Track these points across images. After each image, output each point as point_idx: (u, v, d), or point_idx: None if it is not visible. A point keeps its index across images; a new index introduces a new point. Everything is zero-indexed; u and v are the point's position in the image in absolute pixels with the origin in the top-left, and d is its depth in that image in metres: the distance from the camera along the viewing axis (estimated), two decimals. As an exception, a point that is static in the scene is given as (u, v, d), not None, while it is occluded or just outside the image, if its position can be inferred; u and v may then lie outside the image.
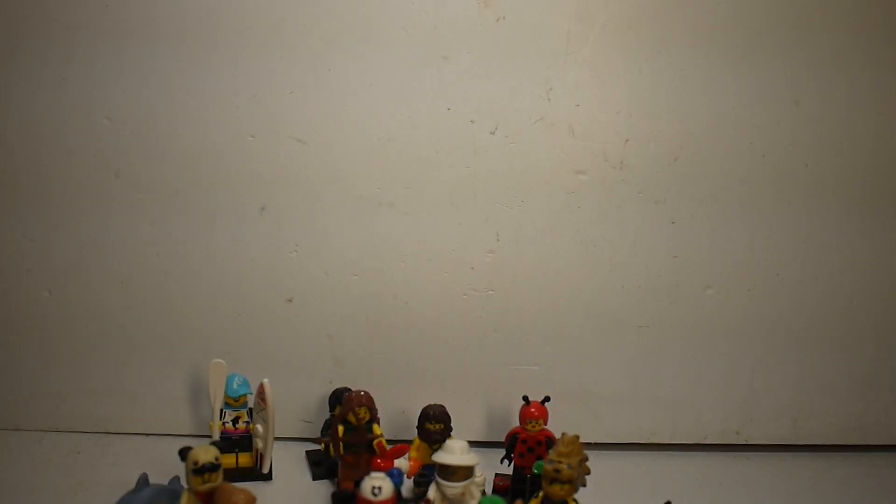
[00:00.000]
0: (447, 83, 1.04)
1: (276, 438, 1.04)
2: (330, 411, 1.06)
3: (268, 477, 1.01)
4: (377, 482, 0.78)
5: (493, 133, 1.06)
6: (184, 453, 0.82)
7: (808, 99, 1.08)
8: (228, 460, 1.00)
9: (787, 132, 1.08)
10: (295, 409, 1.13)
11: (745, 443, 1.17)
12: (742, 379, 1.15)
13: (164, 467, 0.96)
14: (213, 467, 0.81)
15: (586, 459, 0.85)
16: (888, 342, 1.16)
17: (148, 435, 1.13)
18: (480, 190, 1.07)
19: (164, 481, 0.92)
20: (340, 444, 0.93)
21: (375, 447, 0.93)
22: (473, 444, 1.08)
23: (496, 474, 1.03)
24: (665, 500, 0.86)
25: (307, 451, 1.10)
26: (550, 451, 0.84)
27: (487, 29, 1.03)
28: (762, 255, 1.12)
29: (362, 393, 0.94)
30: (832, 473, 1.12)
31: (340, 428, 0.94)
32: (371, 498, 0.77)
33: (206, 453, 0.81)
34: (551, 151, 1.07)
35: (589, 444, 0.88)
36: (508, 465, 1.01)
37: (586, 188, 1.08)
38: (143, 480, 0.87)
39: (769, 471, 1.12)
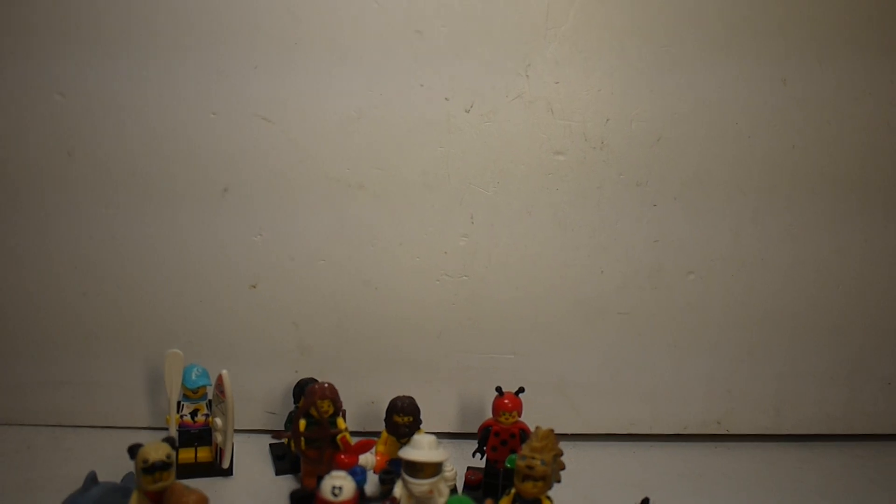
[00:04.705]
0: (420, 59, 1.00)
1: (240, 431, 1.01)
2: (294, 403, 1.02)
3: (228, 472, 0.97)
4: (338, 481, 0.74)
5: (468, 111, 1.02)
6: (133, 451, 0.77)
7: (795, 78, 1.04)
8: (187, 455, 0.97)
9: (775, 112, 1.05)
10: (259, 399, 1.09)
11: (726, 433, 1.15)
12: (724, 367, 1.13)
13: (120, 462, 0.92)
14: (164, 465, 0.76)
15: (561, 454, 0.81)
16: (875, 330, 1.13)
17: (103, 428, 1.09)
18: (454, 171, 1.03)
19: (118, 478, 0.88)
20: (302, 439, 0.89)
21: (339, 442, 0.89)
22: (446, 435, 1.08)
23: (468, 468, 1.00)
24: (643, 497, 0.82)
25: (271, 444, 1.06)
26: (523, 445, 0.80)
27: (463, 2, 0.99)
28: (747, 240, 1.09)
29: (326, 385, 0.90)
30: (816, 464, 1.11)
31: (302, 422, 0.89)
32: (331, 498, 0.73)
33: (156, 451, 0.76)
34: (529, 130, 1.03)
35: (566, 435, 0.84)
36: (481, 459, 0.98)
37: (565, 169, 1.04)
38: (91, 479, 0.82)
39: (751, 462, 1.10)
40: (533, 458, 0.78)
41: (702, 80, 1.03)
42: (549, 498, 0.80)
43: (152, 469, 0.76)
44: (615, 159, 1.04)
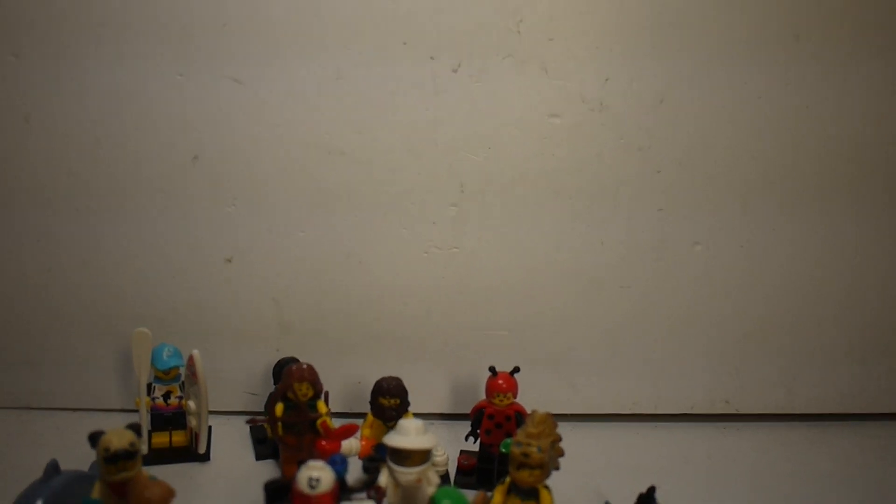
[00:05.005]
0: (403, 13, 0.94)
1: (218, 413, 0.98)
2: (275, 384, 0.97)
3: (205, 457, 0.94)
4: (315, 472, 0.68)
5: (455, 71, 0.96)
6: (95, 438, 0.72)
7: (808, 34, 0.98)
8: (161, 439, 0.94)
9: (786, 69, 0.99)
10: (238, 380, 1.06)
11: (735, 412, 1.11)
12: (732, 344, 1.08)
13: (89, 447, 0.86)
14: (127, 454, 0.71)
15: (559, 440, 0.77)
16: (890, 305, 1.09)
17: (73, 410, 1.05)
18: (442, 135, 0.98)
19: (87, 465, 0.84)
20: (279, 424, 0.84)
21: (319, 427, 0.84)
22: (437, 416, 1.05)
23: (461, 451, 0.96)
24: (649, 486, 0.77)
25: (251, 428, 1.01)
26: (518, 431, 0.75)
27: (451, -48, 0.94)
28: (756, 209, 1.03)
29: (304, 366, 0.85)
30: (829, 444, 1.07)
31: (279, 406, 0.85)
32: (308, 491, 0.68)
33: (119, 438, 0.71)
34: (522, 92, 0.98)
35: (564, 415, 0.79)
36: (474, 443, 0.93)
37: (561, 133, 0.99)
38: (53, 467, 0.78)
39: (761, 442, 1.06)
40: (529, 444, 0.73)
41: (709, 35, 0.97)
42: (546, 487, 0.76)
43: (115, 458, 0.71)
44: (615, 122, 0.99)
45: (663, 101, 0.99)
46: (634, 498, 0.81)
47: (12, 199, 0.98)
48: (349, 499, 0.72)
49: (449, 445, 0.95)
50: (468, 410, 0.94)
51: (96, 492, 0.72)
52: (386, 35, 0.95)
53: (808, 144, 1.02)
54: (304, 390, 0.83)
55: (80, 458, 0.83)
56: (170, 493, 0.68)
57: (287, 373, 0.84)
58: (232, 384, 1.05)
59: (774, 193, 1.03)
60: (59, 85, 0.94)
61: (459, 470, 0.93)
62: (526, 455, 0.73)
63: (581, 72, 0.97)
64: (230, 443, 0.98)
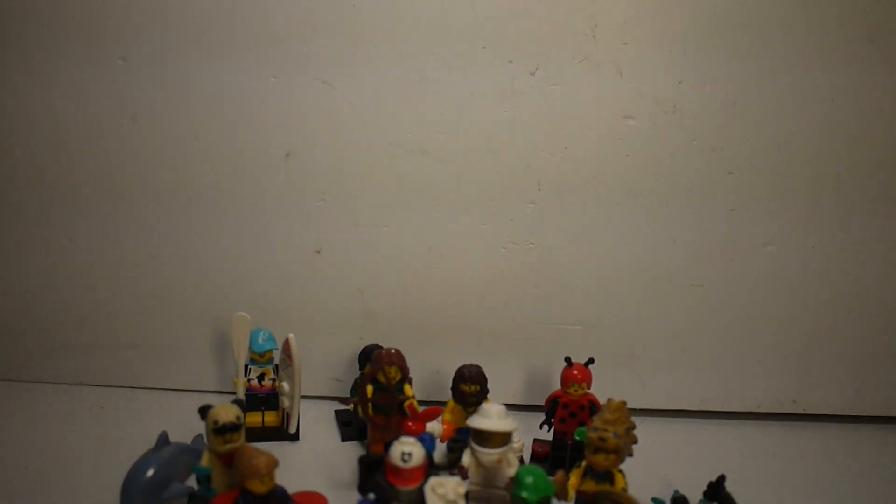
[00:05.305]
0: (482, 19, 0.96)
1: (304, 397, 1.01)
2: (360, 369, 1.02)
3: (295, 437, 0.98)
4: (407, 447, 0.73)
5: (533, 74, 0.98)
6: (204, 412, 0.78)
7: (882, 36, 0.97)
8: (254, 419, 0.97)
9: (859, 72, 0.98)
10: (324, 366, 1.09)
11: (802, 412, 1.10)
12: (801, 343, 1.08)
13: (189, 424, 0.94)
14: (233, 427, 0.77)
15: (633, 427, 0.80)
16: None
17: (173, 390, 1.10)
18: (520, 136, 1.00)
19: (188, 439, 0.90)
20: (369, 405, 0.88)
21: (406, 409, 0.88)
22: (510, 407, 1.05)
23: (534, 440, 0.98)
24: (718, 475, 0.80)
25: (336, 411, 1.06)
26: (595, 417, 0.78)
27: (528, -39, 0.95)
28: (828, 210, 1.03)
29: (393, 351, 0.88)
30: None
31: (369, 388, 0.88)
32: (401, 464, 0.72)
33: (227, 412, 0.77)
34: (597, 94, 0.99)
35: (634, 410, 0.82)
36: (548, 431, 0.96)
37: (635, 134, 1.00)
38: (164, 439, 0.84)
39: (829, 443, 1.06)
40: (605, 430, 0.76)
41: (782, 38, 0.97)
42: (620, 471, 0.79)
43: (223, 430, 0.77)
44: (688, 124, 1.00)
45: (736, 103, 0.99)
46: (701, 489, 0.83)
47: (121, 192, 1.02)
48: (436, 474, 0.76)
49: (522, 434, 0.95)
50: (540, 402, 0.97)
51: (205, 461, 0.78)
52: (467, 40, 0.96)
53: (879, 147, 1.01)
54: (393, 373, 0.87)
55: (180, 434, 0.89)
56: (275, 462, 0.73)
57: (377, 357, 0.88)
58: (318, 370, 1.08)
59: (846, 195, 1.02)
60: (164, 86, 0.98)
61: (533, 457, 0.95)
62: (602, 440, 0.76)
63: (655, 74, 0.98)
64: (317, 425, 1.02)
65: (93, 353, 1.10)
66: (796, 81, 0.99)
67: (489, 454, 0.80)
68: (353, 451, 0.97)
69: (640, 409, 1.08)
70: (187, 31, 0.97)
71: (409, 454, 0.72)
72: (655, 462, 0.96)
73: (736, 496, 0.83)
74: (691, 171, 1.01)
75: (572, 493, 0.79)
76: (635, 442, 0.80)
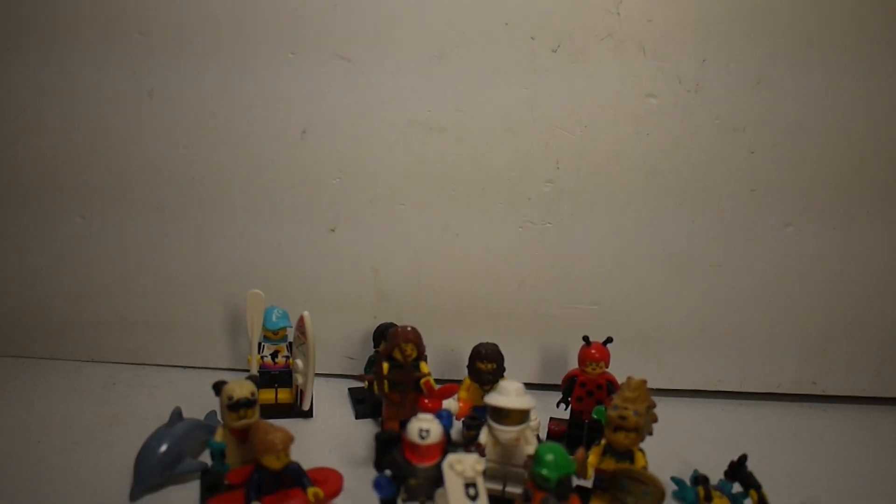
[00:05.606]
0: None
1: (318, 375, 1.00)
2: (374, 347, 1.01)
3: (308, 414, 0.97)
4: (425, 424, 0.72)
5: (555, 51, 0.97)
6: (218, 387, 0.78)
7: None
8: (267, 395, 0.97)
9: (884, 55, 0.97)
10: (338, 344, 1.09)
11: (822, 393, 1.10)
12: (821, 325, 1.07)
13: (201, 401, 0.93)
14: (248, 403, 0.77)
15: (653, 406, 0.79)
16: None
17: (185, 367, 1.10)
18: (540, 114, 0.99)
19: (201, 416, 0.90)
20: (385, 382, 0.87)
21: (423, 386, 0.87)
22: (526, 386, 1.04)
23: (551, 419, 0.97)
24: (740, 454, 0.79)
25: (350, 389, 1.06)
26: (615, 395, 0.77)
27: (551, -64, 0.94)
28: (850, 192, 1.02)
29: (409, 328, 0.88)
30: None
31: (385, 365, 0.88)
32: (418, 441, 0.71)
33: (241, 388, 0.77)
34: (619, 72, 0.98)
35: (651, 390, 0.81)
36: (565, 410, 0.95)
37: (657, 113, 0.99)
38: (177, 414, 0.84)
39: (849, 424, 1.05)
40: (626, 408, 0.75)
41: (806, 20, 0.96)
42: (640, 450, 0.78)
43: (237, 406, 0.76)
44: (711, 103, 0.99)
45: (760, 82, 0.97)
46: (721, 469, 0.82)
47: (134, 169, 1.02)
48: (454, 451, 0.75)
49: (539, 413, 0.94)
50: (556, 381, 0.96)
51: (219, 436, 0.78)
52: (489, 15, 0.95)
53: (905, 126, 0.99)
54: (409, 351, 0.87)
55: (193, 411, 0.88)
56: (290, 438, 0.72)
57: (393, 334, 0.88)
58: (331, 348, 1.08)
59: (868, 177, 1.01)
60: (180, 62, 0.98)
61: (550, 436, 0.95)
62: (623, 418, 0.75)
63: (678, 53, 0.96)
64: (331, 402, 1.02)
65: (105, 330, 1.09)
66: (821, 62, 0.97)
67: (507, 431, 0.78)
68: (367, 428, 0.96)
69: (656, 389, 1.05)
70: (205, 7, 0.96)
71: (427, 431, 0.71)
72: (674, 442, 0.95)
73: (756, 475, 0.81)
74: (713, 150, 1.00)
75: (591, 472, 0.78)
76: (655, 421, 0.79)
